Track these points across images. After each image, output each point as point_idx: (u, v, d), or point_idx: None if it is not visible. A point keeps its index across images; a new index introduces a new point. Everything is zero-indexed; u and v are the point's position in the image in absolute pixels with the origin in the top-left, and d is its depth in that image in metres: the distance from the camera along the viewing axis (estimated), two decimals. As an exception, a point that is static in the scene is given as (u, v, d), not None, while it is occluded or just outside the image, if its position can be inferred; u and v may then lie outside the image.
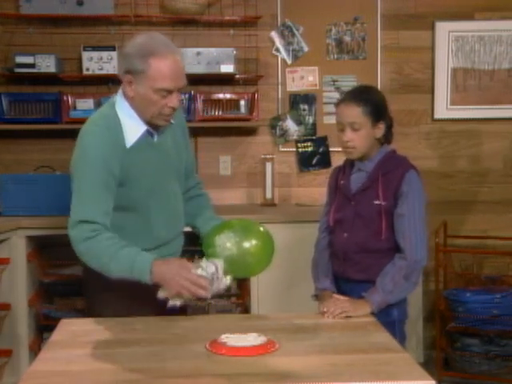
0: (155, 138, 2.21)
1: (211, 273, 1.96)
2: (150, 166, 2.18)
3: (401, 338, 2.20)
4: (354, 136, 2.25)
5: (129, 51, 2.10)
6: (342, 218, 2.33)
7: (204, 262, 1.99)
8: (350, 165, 2.38)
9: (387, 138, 2.35)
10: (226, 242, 2.04)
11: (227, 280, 1.97)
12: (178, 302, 1.99)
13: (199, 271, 1.96)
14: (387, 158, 2.30)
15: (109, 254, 2.03)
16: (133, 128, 2.14)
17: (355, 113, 2.24)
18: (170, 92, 2.08)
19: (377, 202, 2.24)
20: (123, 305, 2.21)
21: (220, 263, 1.98)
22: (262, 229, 2.13)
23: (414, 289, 2.28)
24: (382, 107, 2.30)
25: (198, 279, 1.94)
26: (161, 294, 2.00)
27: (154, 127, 2.19)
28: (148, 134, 2.18)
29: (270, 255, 2.11)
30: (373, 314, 2.14)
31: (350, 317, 2.09)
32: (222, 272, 1.96)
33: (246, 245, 2.03)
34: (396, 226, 2.23)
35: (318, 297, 2.36)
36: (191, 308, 2.06)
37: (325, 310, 2.12)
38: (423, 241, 2.22)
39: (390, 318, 2.22)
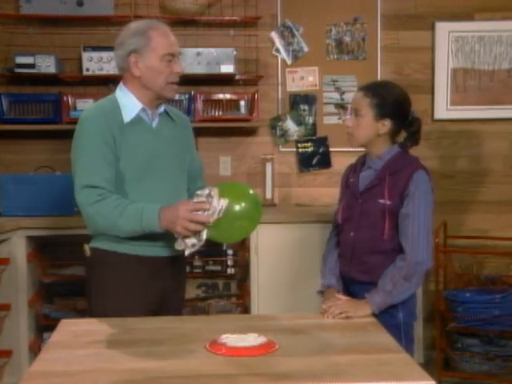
0: (154, 125, 2.30)
1: (206, 194, 2.03)
2: (144, 147, 2.25)
3: (407, 341, 2.17)
4: (355, 123, 2.29)
5: (126, 37, 2.25)
6: (350, 216, 2.33)
7: (199, 191, 2.08)
8: (361, 163, 2.38)
9: (407, 141, 2.34)
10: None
11: (223, 201, 2.00)
12: (192, 249, 2.08)
13: (195, 199, 2.05)
14: (397, 158, 2.29)
15: (117, 212, 2.12)
16: (130, 106, 2.26)
17: (361, 101, 2.28)
18: (173, 56, 2.24)
19: (381, 201, 2.23)
20: (124, 301, 2.23)
21: (214, 188, 2.04)
22: (247, 192, 2.11)
23: (416, 290, 2.26)
24: (391, 105, 2.27)
25: (196, 216, 2.02)
26: (177, 246, 2.10)
27: (155, 107, 2.29)
28: (146, 117, 2.28)
29: (257, 217, 2.09)
30: (376, 315, 2.11)
31: (351, 317, 2.08)
32: (217, 194, 2.01)
33: (231, 212, 2.02)
34: (400, 226, 2.21)
35: (322, 293, 2.35)
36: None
37: (324, 307, 2.12)
38: (427, 243, 2.19)
39: (395, 320, 2.20)
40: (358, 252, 2.28)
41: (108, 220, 2.14)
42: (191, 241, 2.07)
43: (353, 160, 2.47)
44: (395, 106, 2.29)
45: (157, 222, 2.10)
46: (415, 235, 2.18)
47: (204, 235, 2.05)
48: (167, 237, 2.18)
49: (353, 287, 2.31)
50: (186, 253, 2.10)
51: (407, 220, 2.19)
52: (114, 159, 2.19)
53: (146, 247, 2.23)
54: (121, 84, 2.31)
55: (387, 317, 2.14)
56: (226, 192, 2.04)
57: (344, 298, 2.19)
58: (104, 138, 2.17)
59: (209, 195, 2.02)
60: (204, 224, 2.02)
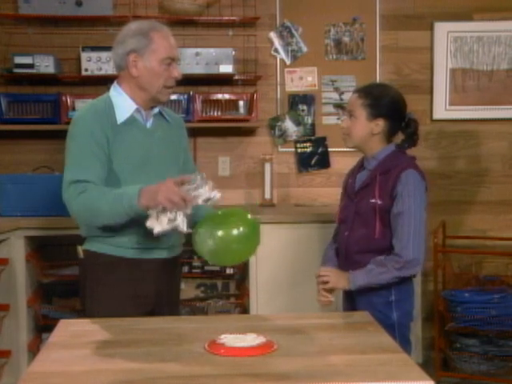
0: (148, 125, 2.29)
1: (199, 178, 2.03)
2: (138, 148, 2.24)
3: (402, 342, 2.14)
4: (350, 124, 2.34)
5: (127, 35, 2.23)
6: (346, 216, 2.35)
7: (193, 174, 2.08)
8: (361, 164, 2.41)
9: (405, 142, 2.36)
10: (206, 239, 2.05)
11: (217, 193, 2.02)
12: (165, 227, 2.02)
13: (186, 186, 2.03)
14: (390, 157, 2.31)
15: (100, 197, 2.09)
16: (124, 106, 2.25)
17: (355, 102, 2.33)
18: (172, 60, 2.24)
19: (373, 201, 2.26)
20: (117, 304, 2.22)
21: (209, 181, 2.05)
22: (244, 217, 2.12)
23: (398, 278, 2.21)
24: (385, 105, 2.30)
25: (181, 191, 2.00)
26: (148, 223, 2.04)
27: (149, 108, 2.28)
28: (140, 117, 2.27)
29: (254, 241, 2.10)
30: (373, 315, 2.10)
31: (334, 288, 2.24)
32: (210, 185, 2.02)
33: (225, 237, 2.03)
34: (392, 226, 2.23)
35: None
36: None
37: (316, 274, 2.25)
38: (417, 242, 2.19)
39: (389, 320, 2.21)
40: (351, 251, 2.31)
41: (91, 209, 2.10)
42: (167, 217, 2.01)
43: (351, 160, 2.49)
44: (388, 106, 2.32)
45: (136, 199, 2.03)
46: (405, 235, 2.19)
47: (179, 217, 2.01)
48: (161, 240, 2.17)
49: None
50: (155, 231, 2.03)
51: (398, 220, 2.21)
52: (106, 159, 2.17)
53: (140, 250, 2.22)
54: (115, 84, 2.30)
55: (381, 316, 2.13)
56: (225, 216, 2.04)
57: (332, 269, 2.29)
58: (96, 138, 2.16)
59: (202, 178, 2.02)
60: (186, 202, 1.98)
